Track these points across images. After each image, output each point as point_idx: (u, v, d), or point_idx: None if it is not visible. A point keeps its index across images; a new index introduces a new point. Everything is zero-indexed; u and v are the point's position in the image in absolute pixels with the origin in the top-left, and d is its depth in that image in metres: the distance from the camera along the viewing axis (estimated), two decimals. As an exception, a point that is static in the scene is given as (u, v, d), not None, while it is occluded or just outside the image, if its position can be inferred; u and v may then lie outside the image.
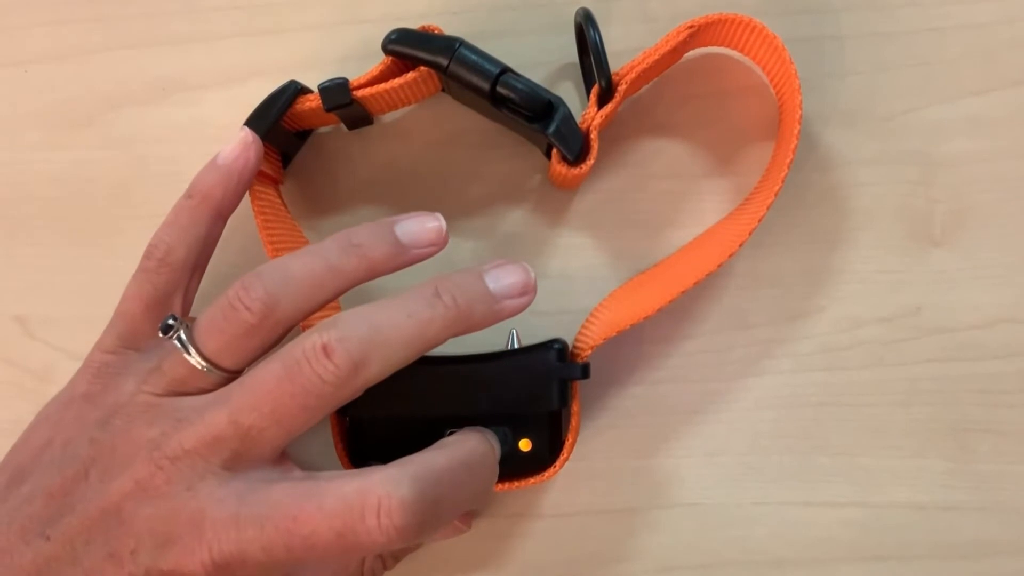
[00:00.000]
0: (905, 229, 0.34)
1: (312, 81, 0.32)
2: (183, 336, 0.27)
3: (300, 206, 0.35)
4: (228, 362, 0.27)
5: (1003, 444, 0.33)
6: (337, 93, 0.31)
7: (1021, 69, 0.34)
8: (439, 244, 0.28)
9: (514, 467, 0.31)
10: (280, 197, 0.34)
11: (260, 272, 0.27)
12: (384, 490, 0.24)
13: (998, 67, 0.34)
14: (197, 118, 0.35)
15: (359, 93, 0.31)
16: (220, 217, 0.30)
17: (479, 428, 0.29)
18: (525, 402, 0.30)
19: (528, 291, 0.28)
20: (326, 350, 0.25)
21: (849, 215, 0.34)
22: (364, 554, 0.26)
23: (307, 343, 0.25)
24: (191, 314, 0.30)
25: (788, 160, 0.30)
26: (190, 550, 0.25)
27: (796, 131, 0.30)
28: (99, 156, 0.35)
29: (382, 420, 0.30)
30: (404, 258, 0.28)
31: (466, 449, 0.27)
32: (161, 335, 0.27)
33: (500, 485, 0.31)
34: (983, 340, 0.34)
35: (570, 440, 0.31)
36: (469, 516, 0.34)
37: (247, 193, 0.31)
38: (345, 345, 0.25)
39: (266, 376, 0.26)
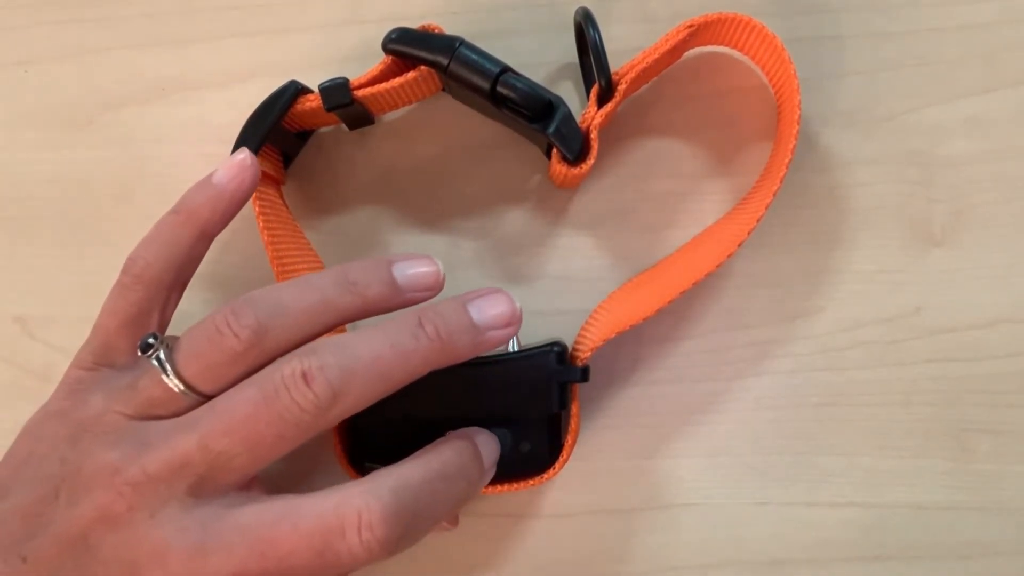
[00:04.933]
0: (905, 229, 0.34)
1: (312, 81, 0.32)
2: (162, 356, 0.26)
3: (301, 206, 0.35)
4: (207, 387, 0.26)
5: (1003, 444, 0.33)
6: (338, 93, 0.31)
7: (1021, 69, 0.34)
8: (435, 289, 0.28)
9: (514, 469, 0.31)
10: (281, 197, 0.34)
11: (251, 299, 0.26)
12: (364, 504, 0.24)
13: (998, 67, 0.34)
14: (197, 118, 0.35)
15: (359, 93, 0.31)
16: (204, 237, 0.29)
17: (469, 431, 0.29)
18: (525, 405, 0.30)
19: (513, 322, 0.27)
20: (306, 378, 0.24)
21: (849, 215, 0.34)
22: (344, 571, 0.26)
23: (286, 369, 0.25)
24: (168, 332, 0.29)
25: (787, 160, 0.30)
26: None
27: (795, 131, 0.30)
28: (99, 156, 0.35)
29: (381, 421, 0.30)
30: (398, 300, 0.27)
31: (443, 459, 0.27)
32: (140, 353, 0.26)
33: (500, 486, 0.31)
34: (983, 340, 0.34)
35: (569, 442, 0.31)
36: (455, 514, 0.33)
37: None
38: (325, 374, 0.24)
39: (241, 401, 0.25)
